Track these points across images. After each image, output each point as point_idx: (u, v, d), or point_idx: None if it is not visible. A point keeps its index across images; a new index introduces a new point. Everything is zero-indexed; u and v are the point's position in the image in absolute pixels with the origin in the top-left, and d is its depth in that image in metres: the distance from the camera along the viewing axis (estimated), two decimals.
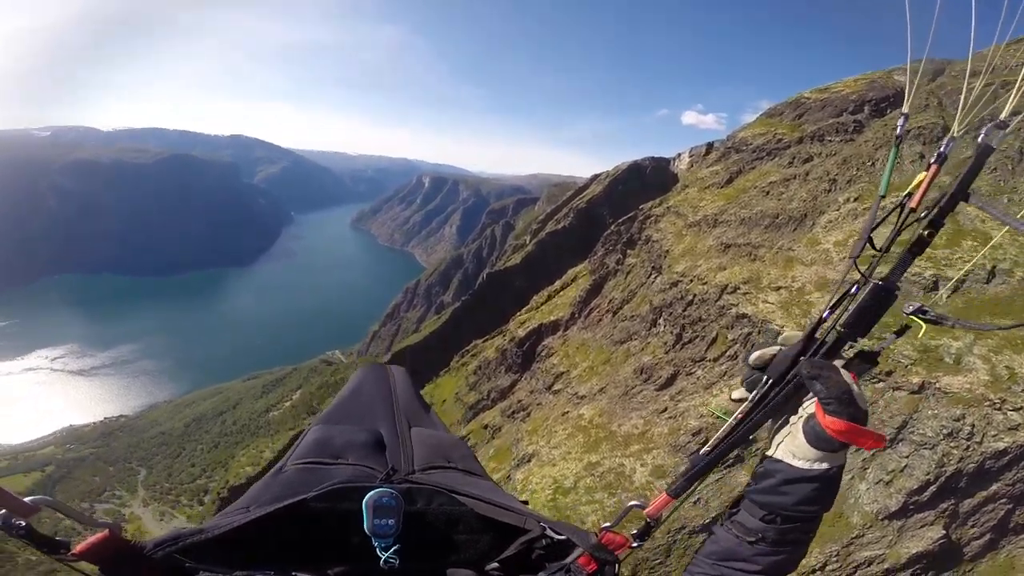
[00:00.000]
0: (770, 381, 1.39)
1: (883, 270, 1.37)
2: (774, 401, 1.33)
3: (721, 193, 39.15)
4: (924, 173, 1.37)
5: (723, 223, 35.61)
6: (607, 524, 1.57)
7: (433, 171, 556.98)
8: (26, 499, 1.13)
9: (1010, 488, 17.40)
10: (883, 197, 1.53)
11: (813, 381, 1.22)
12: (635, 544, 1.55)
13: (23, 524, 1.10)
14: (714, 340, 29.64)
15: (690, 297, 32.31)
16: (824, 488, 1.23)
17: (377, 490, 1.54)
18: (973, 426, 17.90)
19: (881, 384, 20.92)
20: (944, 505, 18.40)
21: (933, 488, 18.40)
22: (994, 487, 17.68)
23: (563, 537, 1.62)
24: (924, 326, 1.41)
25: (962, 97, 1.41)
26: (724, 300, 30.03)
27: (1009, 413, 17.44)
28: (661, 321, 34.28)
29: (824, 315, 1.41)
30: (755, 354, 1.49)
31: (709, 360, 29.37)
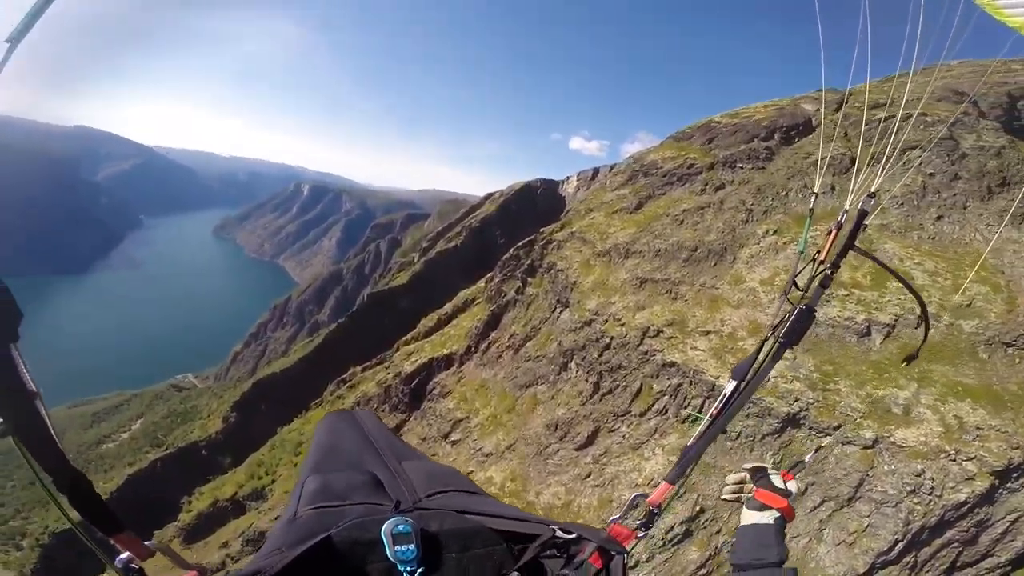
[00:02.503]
0: (733, 383, 2.13)
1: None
2: (738, 398, 2.10)
3: (631, 219, 36.21)
4: (829, 236, 2.23)
5: (636, 254, 32.44)
6: (615, 516, 1.82)
7: (316, 179, 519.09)
8: (146, 543, 1.29)
9: (964, 533, 17.61)
10: (801, 253, 2.39)
11: (755, 473, 2.06)
12: (641, 534, 1.82)
13: (139, 568, 1.25)
14: (638, 392, 25.82)
15: (606, 340, 28.36)
16: (760, 535, 1.87)
17: (392, 519, 1.61)
18: (933, 479, 17.77)
19: (829, 439, 20.05)
20: (907, 559, 18.21)
21: (901, 545, 18.04)
22: (948, 534, 17.80)
23: (574, 535, 1.70)
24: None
25: (852, 183, 2.28)
26: (647, 345, 26.41)
27: (964, 463, 17.46)
28: (573, 366, 30.00)
29: (769, 333, 2.17)
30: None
31: (634, 415, 25.44)
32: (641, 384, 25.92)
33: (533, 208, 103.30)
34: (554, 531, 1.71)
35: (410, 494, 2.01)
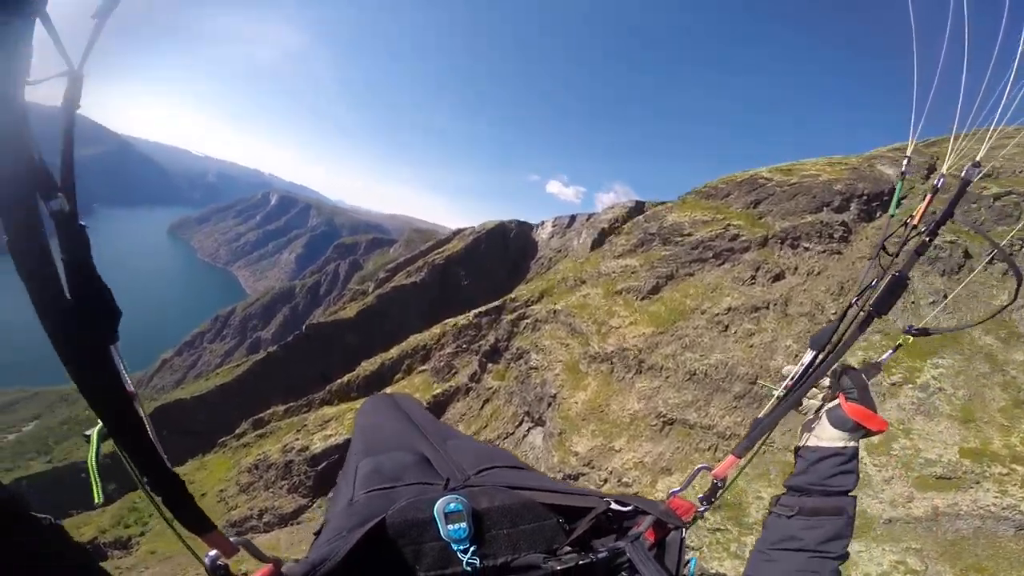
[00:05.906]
0: (812, 353, 1.81)
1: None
2: (816, 370, 1.74)
3: (645, 309, 25.24)
4: (924, 200, 1.89)
5: (655, 371, 21.31)
6: (676, 489, 1.67)
7: (286, 190, 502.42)
8: (231, 539, 1.29)
9: None
10: (893, 216, 2.04)
11: (844, 376, 1.67)
12: (702, 508, 1.69)
13: (226, 564, 1.27)
14: None
15: None
16: (845, 462, 1.58)
17: (444, 497, 1.59)
18: None
19: None
20: None
21: None
22: None
23: (630, 508, 1.66)
24: (911, 339, 1.76)
25: (951, 143, 1.90)
26: None
27: None
28: None
29: (853, 301, 1.84)
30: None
31: None
32: None
33: (504, 249, 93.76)
34: (609, 504, 1.67)
35: (459, 471, 1.95)
